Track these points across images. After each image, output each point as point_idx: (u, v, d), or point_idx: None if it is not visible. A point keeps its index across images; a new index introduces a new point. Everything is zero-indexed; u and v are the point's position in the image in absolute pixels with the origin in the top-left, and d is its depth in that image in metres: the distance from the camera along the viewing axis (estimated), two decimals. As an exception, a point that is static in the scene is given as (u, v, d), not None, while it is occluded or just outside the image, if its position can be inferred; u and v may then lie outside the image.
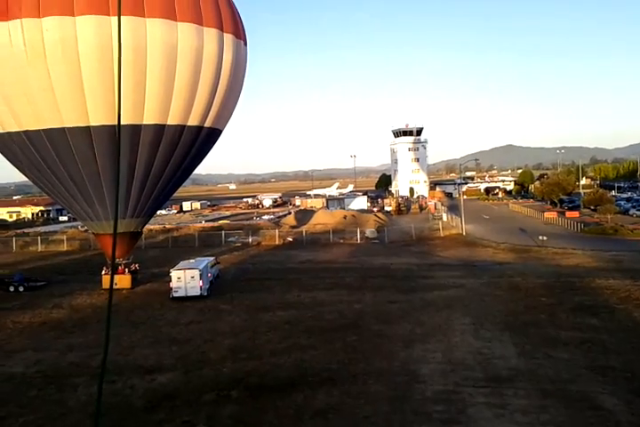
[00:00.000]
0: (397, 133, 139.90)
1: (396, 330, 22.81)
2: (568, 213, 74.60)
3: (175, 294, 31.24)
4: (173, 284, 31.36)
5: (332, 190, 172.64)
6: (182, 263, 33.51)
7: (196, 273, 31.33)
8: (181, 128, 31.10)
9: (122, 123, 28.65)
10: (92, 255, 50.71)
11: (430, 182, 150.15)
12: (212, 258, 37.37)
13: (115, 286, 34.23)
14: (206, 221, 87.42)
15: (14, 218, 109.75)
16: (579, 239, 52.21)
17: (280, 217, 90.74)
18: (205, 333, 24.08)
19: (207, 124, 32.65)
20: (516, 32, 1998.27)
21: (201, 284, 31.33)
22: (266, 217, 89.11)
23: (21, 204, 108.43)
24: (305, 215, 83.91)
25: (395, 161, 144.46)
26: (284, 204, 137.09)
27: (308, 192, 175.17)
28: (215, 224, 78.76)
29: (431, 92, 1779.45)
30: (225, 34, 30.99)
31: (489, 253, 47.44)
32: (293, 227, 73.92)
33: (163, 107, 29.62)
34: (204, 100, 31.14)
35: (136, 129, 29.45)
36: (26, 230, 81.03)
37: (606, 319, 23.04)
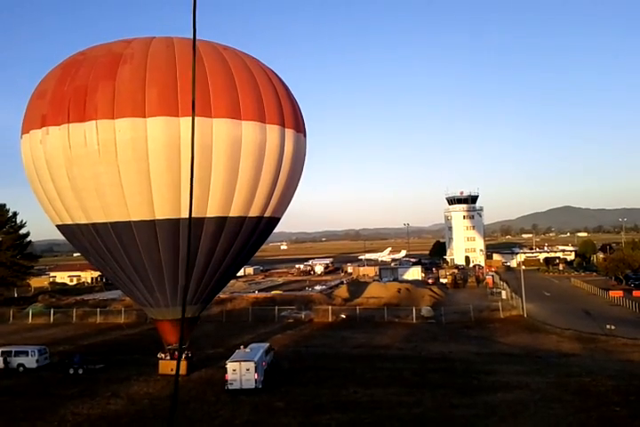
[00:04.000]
0: (452, 201, 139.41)
1: (461, 446, 21.61)
2: (635, 293, 70.98)
3: (230, 387, 30.87)
4: (229, 376, 31.06)
5: (385, 255, 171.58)
6: (238, 353, 33.30)
7: (252, 366, 31.01)
8: (242, 219, 31.89)
9: (187, 216, 29.97)
10: (148, 330, 51.27)
11: (486, 247, 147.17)
12: (266, 344, 37.06)
13: (171, 372, 34.70)
14: (259, 290, 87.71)
15: (74, 282, 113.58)
16: (650, 327, 49.24)
17: (332, 287, 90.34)
18: (261, 438, 23.46)
19: (267, 214, 33.40)
20: (572, 99, 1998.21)
21: (256, 376, 30.94)
22: (318, 287, 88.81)
23: (81, 268, 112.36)
24: (358, 287, 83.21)
25: (449, 228, 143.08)
26: (335, 270, 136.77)
27: (360, 256, 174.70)
28: (268, 295, 78.90)
29: (486, 148, 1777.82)
30: (286, 129, 32.22)
31: (553, 342, 45.21)
32: (346, 300, 73.21)
33: (225, 200, 30.58)
34: (265, 192, 32.04)
35: (199, 222, 30.37)
36: (85, 297, 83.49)
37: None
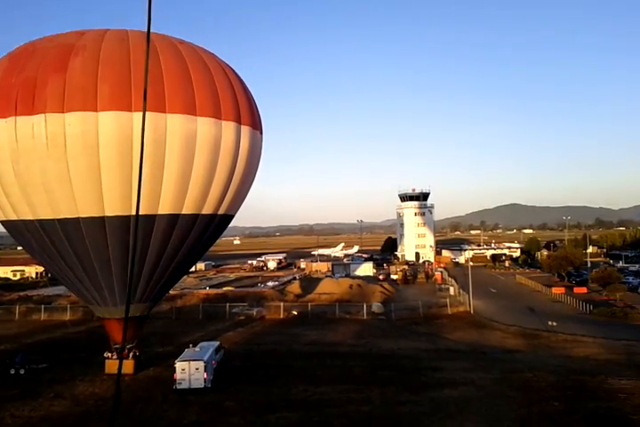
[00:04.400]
0: (404, 198, 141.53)
1: (407, 443, 22.10)
2: (576, 289, 74.23)
3: (179, 386, 30.52)
4: (177, 375, 30.69)
5: (338, 251, 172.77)
6: (187, 352, 32.91)
7: (201, 365, 30.74)
8: (195, 217, 31.46)
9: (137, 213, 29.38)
10: (95, 327, 50.07)
11: (436, 243, 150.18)
12: (216, 343, 36.78)
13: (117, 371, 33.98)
14: (210, 287, 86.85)
15: (18, 277, 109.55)
16: (588, 323, 51.47)
17: (285, 283, 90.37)
18: (210, 438, 23.35)
19: (221, 211, 33.07)
20: (519, 94, 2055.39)
21: (205, 376, 30.70)
22: (270, 283, 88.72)
23: (25, 262, 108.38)
24: (310, 283, 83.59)
25: (401, 225, 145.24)
26: (288, 266, 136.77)
27: (313, 252, 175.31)
28: (219, 291, 78.24)
29: (438, 147, 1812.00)
30: (242, 126, 31.93)
31: (498, 338, 46.68)
32: (298, 296, 73.52)
33: (178, 197, 30.07)
34: (219, 189, 31.68)
35: (150, 219, 29.78)
36: (29, 293, 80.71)
37: (623, 436, 22.31)
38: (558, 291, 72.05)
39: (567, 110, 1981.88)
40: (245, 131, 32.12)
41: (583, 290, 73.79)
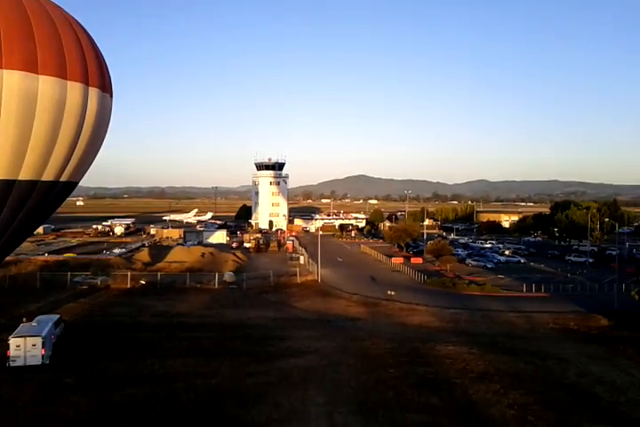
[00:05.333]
0: (260, 166, 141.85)
1: (254, 415, 22.79)
2: (413, 260, 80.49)
3: (12, 364, 28.49)
4: (11, 352, 28.58)
5: (191, 217, 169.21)
6: (23, 327, 30.64)
7: (39, 341, 28.90)
8: (33, 183, 28.95)
9: (-37, 177, 26.38)
10: None
11: (289, 211, 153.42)
12: (55, 316, 34.66)
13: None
14: (50, 252, 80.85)
15: None
16: (422, 292, 56.30)
17: (132, 251, 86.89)
18: (46, 422, 22.17)
19: (63, 178, 30.76)
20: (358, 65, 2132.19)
21: (43, 352, 28.94)
22: (117, 251, 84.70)
23: None
24: (160, 251, 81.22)
25: (256, 193, 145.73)
26: (137, 231, 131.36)
27: (164, 217, 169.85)
28: (60, 258, 73.23)
29: (295, 115, 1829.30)
30: (90, 87, 29.65)
31: (342, 306, 49.39)
32: (147, 264, 71.28)
33: (14, 162, 27.43)
34: (62, 155, 29.37)
35: (-20, 184, 26.91)
36: None
37: (446, 398, 24.99)
38: (397, 261, 77.68)
39: (413, 89, 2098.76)
40: (93, 93, 29.88)
41: (419, 260, 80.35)
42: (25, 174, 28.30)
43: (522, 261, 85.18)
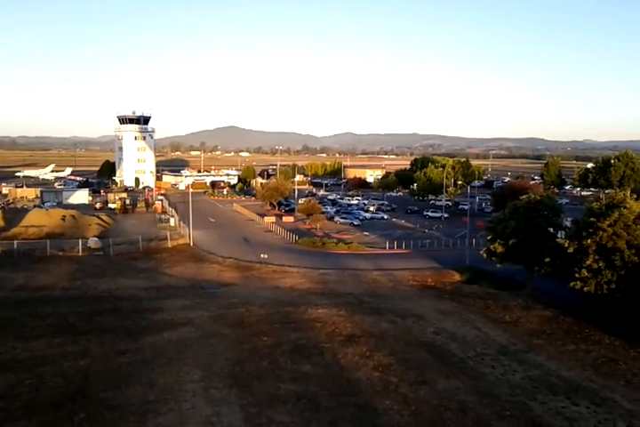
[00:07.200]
0: (123, 120, 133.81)
1: (127, 397, 22.58)
2: (284, 218, 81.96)
3: None
4: None
5: (47, 173, 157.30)
6: None
7: None
8: None
9: None
10: None
11: (156, 164, 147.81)
12: None
13: None
14: None
15: None
16: (294, 253, 57.97)
17: (-18, 215, 79.21)
18: None
19: None
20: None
21: None
22: (-37, 215, 76.67)
23: None
24: (16, 215, 74.90)
25: (120, 149, 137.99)
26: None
27: (17, 173, 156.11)
28: None
29: (159, 62, 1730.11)
30: None
31: (215, 271, 49.57)
32: (1, 229, 65.76)
33: None
34: None
35: None
36: None
37: (317, 364, 26.48)
38: (269, 220, 78.66)
39: (274, 43, 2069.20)
40: None
41: (291, 219, 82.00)
42: None
43: (385, 217, 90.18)
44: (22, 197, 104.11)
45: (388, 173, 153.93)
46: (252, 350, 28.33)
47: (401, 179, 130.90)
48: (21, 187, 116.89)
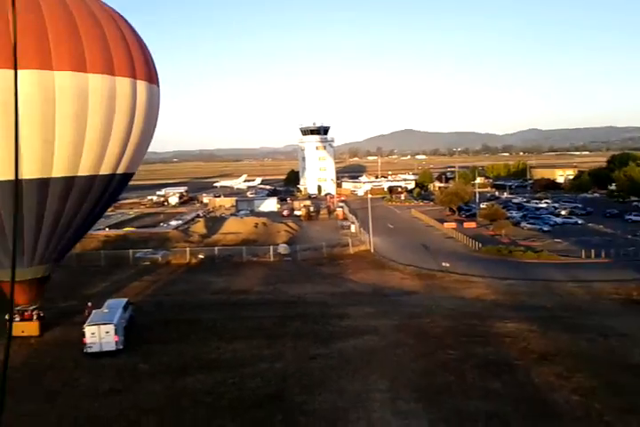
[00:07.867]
0: (305, 132, 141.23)
1: (320, 402, 23.58)
2: (466, 224, 79.23)
3: (89, 350, 30.23)
4: (87, 339, 30.29)
5: (240, 182, 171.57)
6: (95, 315, 32.28)
7: (112, 328, 30.43)
8: (93, 178, 29.94)
9: (29, 177, 27.65)
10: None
11: (336, 171, 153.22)
12: (124, 300, 36.29)
13: (22, 334, 32.98)
14: (109, 227, 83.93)
15: None
16: (478, 261, 55.76)
17: (188, 222, 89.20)
18: (128, 409, 23.61)
19: (120, 170, 31.62)
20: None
21: (116, 338, 30.54)
22: (174, 223, 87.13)
23: None
24: (215, 222, 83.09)
25: (302, 158, 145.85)
26: (190, 200, 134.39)
27: (215, 183, 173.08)
28: (120, 233, 76.00)
29: (335, 73, 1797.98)
30: (138, 81, 29.98)
31: (397, 279, 49.62)
32: (203, 236, 73.17)
33: (73, 159, 28.34)
34: (117, 148, 30.13)
35: (44, 182, 28.10)
36: None
37: (508, 382, 25.11)
38: (450, 226, 76.70)
39: (454, 40, 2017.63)
40: (142, 86, 30.26)
41: (472, 225, 78.92)
42: (84, 170, 29.22)
43: (579, 222, 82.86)
44: (220, 206, 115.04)
45: (580, 173, 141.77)
46: (438, 364, 27.79)
47: (596, 178, 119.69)
48: (219, 196, 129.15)
